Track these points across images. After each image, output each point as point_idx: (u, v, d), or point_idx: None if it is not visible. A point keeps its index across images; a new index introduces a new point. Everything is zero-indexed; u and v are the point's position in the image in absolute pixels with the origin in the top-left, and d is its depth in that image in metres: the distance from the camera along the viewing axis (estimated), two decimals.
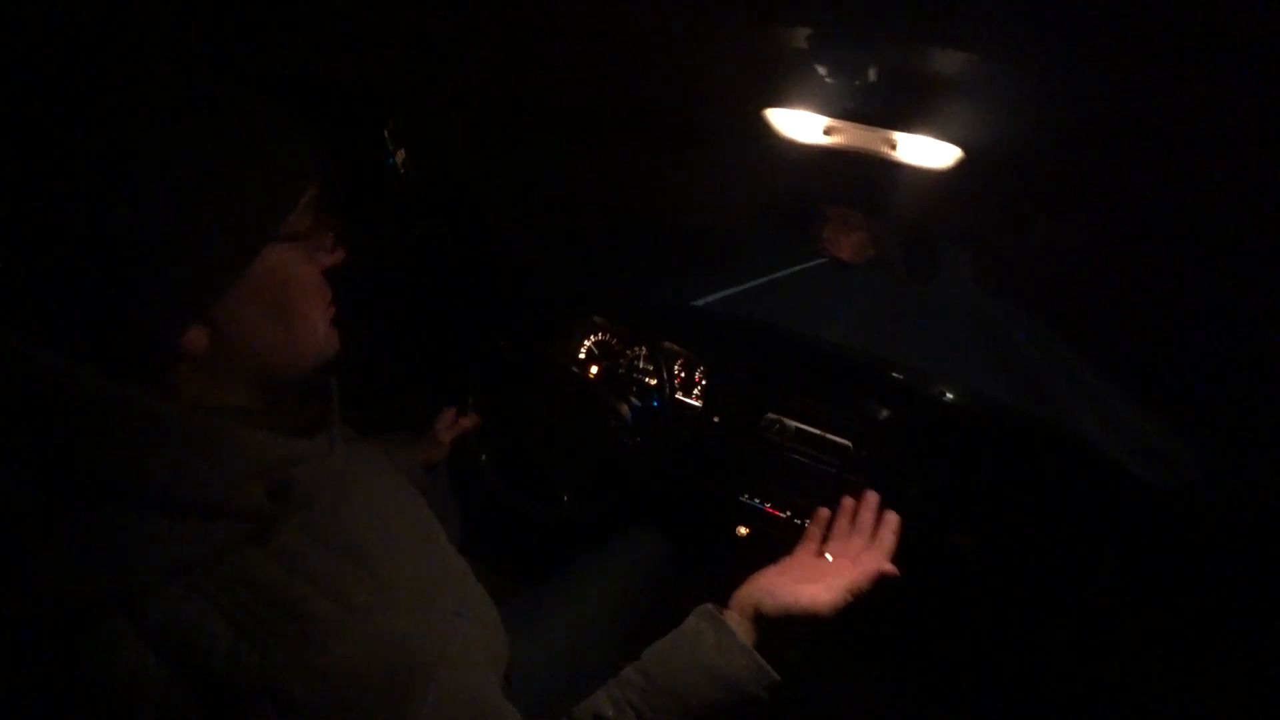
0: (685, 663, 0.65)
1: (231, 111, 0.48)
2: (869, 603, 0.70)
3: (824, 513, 0.83)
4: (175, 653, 0.43)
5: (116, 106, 0.44)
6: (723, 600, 0.71)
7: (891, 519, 0.80)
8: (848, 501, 0.83)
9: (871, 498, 0.82)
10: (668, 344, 1.46)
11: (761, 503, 1.38)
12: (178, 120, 0.45)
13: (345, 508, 0.56)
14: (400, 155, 1.35)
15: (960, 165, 0.76)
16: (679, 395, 1.46)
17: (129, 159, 0.43)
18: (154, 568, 0.44)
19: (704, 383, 1.46)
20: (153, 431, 0.44)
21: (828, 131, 0.78)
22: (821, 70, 0.59)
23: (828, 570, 0.73)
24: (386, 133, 1.33)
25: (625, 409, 1.32)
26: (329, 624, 0.47)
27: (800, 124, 0.79)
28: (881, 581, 0.71)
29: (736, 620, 0.68)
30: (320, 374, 0.60)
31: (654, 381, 1.43)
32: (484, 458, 1.29)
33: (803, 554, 0.78)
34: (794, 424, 1.34)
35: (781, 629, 0.68)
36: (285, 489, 0.49)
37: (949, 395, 1.41)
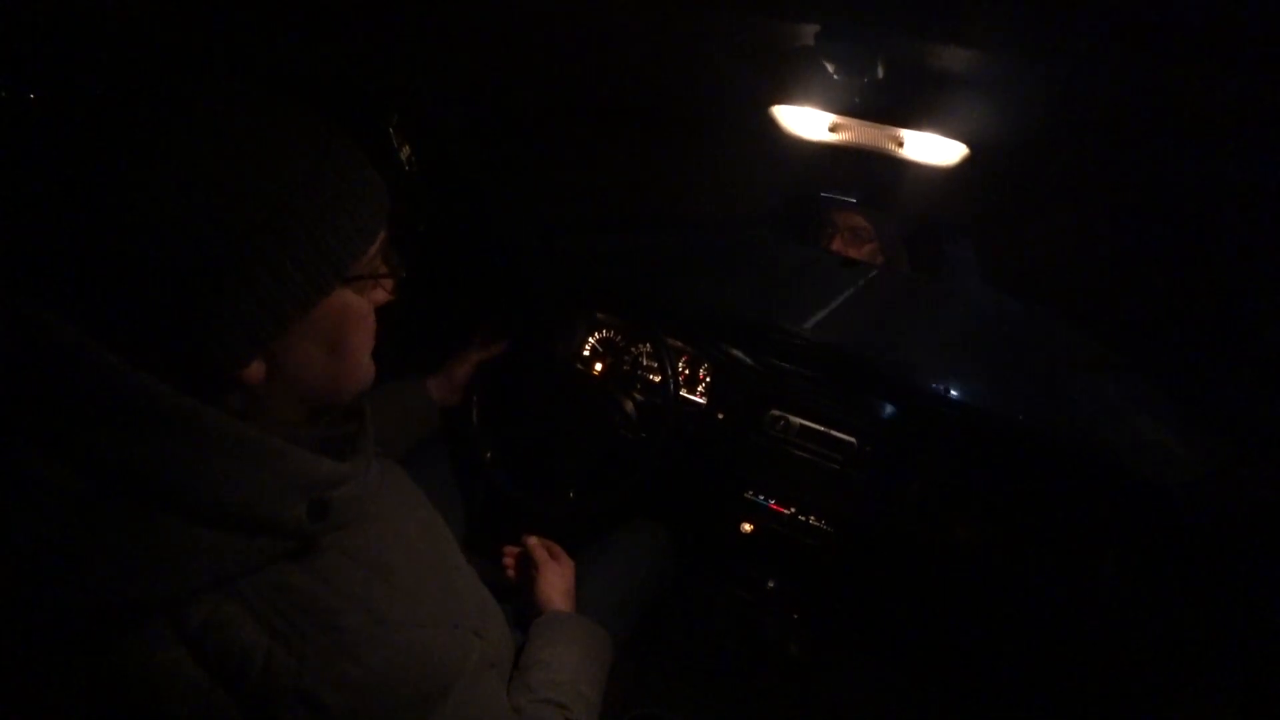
0: None
1: (316, 157, 0.48)
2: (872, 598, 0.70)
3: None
4: (213, 656, 0.44)
5: (205, 148, 0.44)
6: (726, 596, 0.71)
7: None
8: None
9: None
10: (672, 340, 1.46)
11: (766, 499, 1.38)
12: (264, 162, 0.45)
13: (376, 527, 0.57)
14: (405, 152, 1.35)
15: (966, 161, 0.76)
16: (683, 392, 1.46)
17: (210, 194, 0.43)
18: (197, 576, 0.44)
19: (708, 379, 1.46)
20: (207, 442, 0.44)
21: (834, 128, 0.78)
22: (829, 67, 0.59)
23: None
24: (391, 129, 1.33)
25: (630, 405, 1.33)
26: (361, 635, 0.49)
27: (807, 120, 0.79)
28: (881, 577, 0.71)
29: None
30: (356, 399, 0.61)
31: (658, 378, 1.43)
32: (489, 455, 1.29)
33: None
34: (798, 420, 1.34)
35: None
36: (325, 509, 0.50)
37: (953, 392, 1.41)
